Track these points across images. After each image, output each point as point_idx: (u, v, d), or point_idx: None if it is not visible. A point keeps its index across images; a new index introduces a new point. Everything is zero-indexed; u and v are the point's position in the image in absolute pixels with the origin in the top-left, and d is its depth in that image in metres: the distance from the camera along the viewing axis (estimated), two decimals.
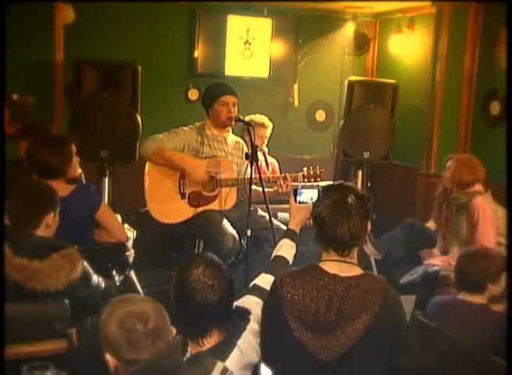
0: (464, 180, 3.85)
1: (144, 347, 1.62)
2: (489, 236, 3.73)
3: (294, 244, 2.55)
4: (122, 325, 1.63)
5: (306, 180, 4.03)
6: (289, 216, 2.65)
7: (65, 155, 3.23)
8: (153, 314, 1.67)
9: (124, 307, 1.68)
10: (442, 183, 4.04)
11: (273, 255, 2.52)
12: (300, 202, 2.61)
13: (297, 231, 2.59)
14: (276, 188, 4.04)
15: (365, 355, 1.96)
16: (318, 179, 4.04)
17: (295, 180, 4.04)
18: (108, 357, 1.64)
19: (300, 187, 2.64)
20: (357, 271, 2.05)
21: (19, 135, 4.00)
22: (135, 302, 1.72)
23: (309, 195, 2.53)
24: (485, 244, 3.65)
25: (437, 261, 3.94)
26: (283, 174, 4.10)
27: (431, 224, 4.24)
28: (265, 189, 3.64)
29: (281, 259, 2.48)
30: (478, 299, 2.74)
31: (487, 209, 3.77)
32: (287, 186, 3.99)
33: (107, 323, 1.65)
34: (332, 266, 2.04)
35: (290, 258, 2.50)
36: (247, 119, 4.22)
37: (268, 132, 4.66)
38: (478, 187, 3.86)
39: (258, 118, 4.59)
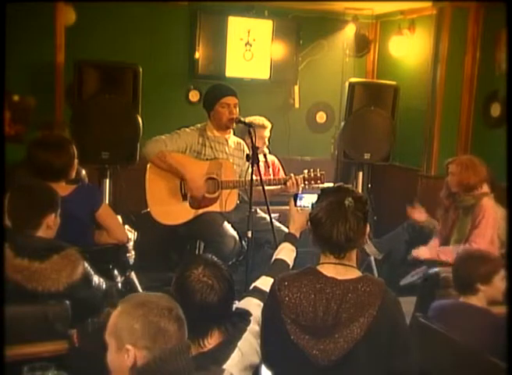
0: (470, 183, 3.83)
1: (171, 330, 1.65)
2: (486, 238, 3.73)
3: (294, 248, 2.56)
4: (149, 310, 1.65)
5: (307, 182, 4.04)
6: (290, 220, 2.65)
7: (68, 157, 3.24)
8: (173, 304, 1.71)
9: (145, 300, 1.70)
10: (447, 187, 4.00)
11: (273, 258, 2.53)
12: (300, 207, 2.62)
13: (297, 235, 2.59)
14: (282, 186, 4.03)
15: (364, 358, 1.95)
16: (319, 181, 4.04)
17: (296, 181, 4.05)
18: (129, 347, 1.63)
19: (300, 191, 2.65)
20: (355, 274, 2.04)
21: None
22: (153, 296, 1.74)
23: (309, 200, 2.53)
24: (480, 243, 3.67)
25: (425, 252, 3.92)
26: (288, 176, 4.09)
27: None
28: (272, 187, 3.65)
29: (281, 262, 2.48)
30: (475, 301, 2.75)
31: (492, 212, 3.77)
32: (297, 185, 3.99)
33: (128, 313, 1.65)
34: (330, 268, 2.04)
35: (291, 262, 2.50)
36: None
37: (268, 132, 4.68)
38: (485, 188, 3.85)
39: (258, 120, 4.60)
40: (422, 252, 3.93)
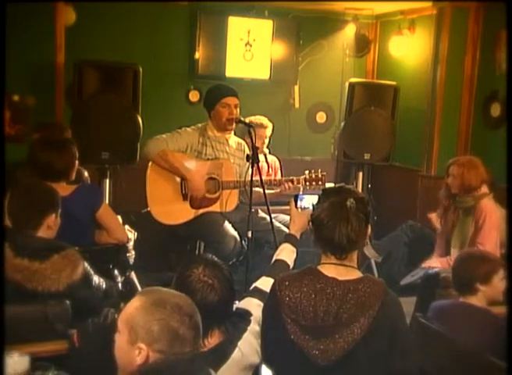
0: (472, 184, 3.82)
1: (188, 340, 1.64)
2: (492, 239, 3.72)
3: (295, 249, 2.56)
4: (172, 316, 1.63)
5: (308, 183, 4.03)
6: (290, 221, 2.65)
7: (69, 158, 3.24)
8: (193, 308, 1.70)
9: (168, 299, 1.68)
10: (447, 188, 3.99)
11: (274, 259, 2.53)
12: (301, 208, 2.62)
13: (298, 236, 2.59)
14: (279, 190, 4.05)
15: (364, 358, 1.95)
16: (320, 182, 4.04)
17: (297, 183, 4.05)
18: (143, 346, 1.62)
19: (301, 192, 2.65)
20: (355, 274, 2.04)
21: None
22: (174, 296, 1.72)
23: (310, 201, 2.53)
24: (487, 247, 3.65)
25: (436, 263, 3.93)
26: (290, 177, 4.10)
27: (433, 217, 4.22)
28: (268, 191, 3.64)
29: (282, 263, 2.48)
30: (475, 301, 2.75)
31: (493, 213, 3.76)
32: (290, 188, 4.00)
33: (148, 311, 1.64)
34: (331, 269, 2.03)
35: (291, 263, 2.50)
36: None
37: (268, 132, 4.67)
38: (484, 189, 3.85)
39: (258, 119, 4.60)
40: (434, 264, 3.92)
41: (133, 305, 1.67)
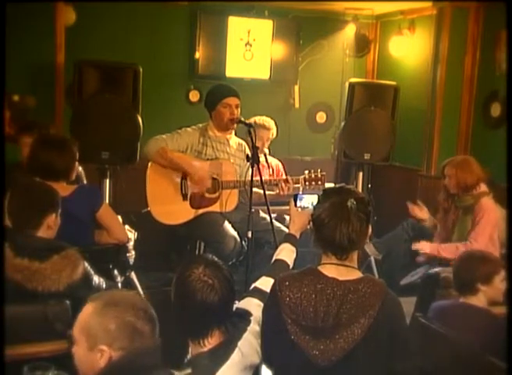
0: (468, 183, 3.84)
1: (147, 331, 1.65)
2: (485, 236, 3.74)
3: (295, 249, 2.55)
4: (124, 311, 1.64)
5: (307, 183, 4.03)
6: (290, 221, 2.65)
7: (70, 158, 3.24)
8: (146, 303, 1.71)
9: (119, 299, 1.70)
10: (445, 190, 4.00)
11: (274, 259, 2.53)
12: (300, 207, 2.62)
13: (297, 236, 2.59)
14: (278, 191, 4.05)
15: (364, 359, 1.94)
16: (319, 182, 4.04)
17: (296, 183, 4.05)
18: (105, 348, 1.62)
19: (300, 192, 2.65)
20: (356, 275, 2.03)
21: (18, 132, 4.00)
22: (125, 294, 1.75)
23: (310, 200, 2.54)
24: (479, 242, 3.68)
25: (425, 246, 3.92)
26: (285, 177, 4.11)
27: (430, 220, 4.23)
28: (267, 192, 3.64)
29: (282, 263, 2.48)
30: (475, 302, 2.75)
31: (492, 212, 3.78)
32: (288, 189, 4.00)
33: (101, 313, 1.64)
34: (331, 269, 2.03)
35: (291, 263, 2.50)
36: (250, 120, 4.23)
37: (271, 134, 4.63)
38: (483, 187, 3.87)
39: (261, 120, 4.58)
40: (423, 246, 3.92)
41: (86, 312, 1.67)
